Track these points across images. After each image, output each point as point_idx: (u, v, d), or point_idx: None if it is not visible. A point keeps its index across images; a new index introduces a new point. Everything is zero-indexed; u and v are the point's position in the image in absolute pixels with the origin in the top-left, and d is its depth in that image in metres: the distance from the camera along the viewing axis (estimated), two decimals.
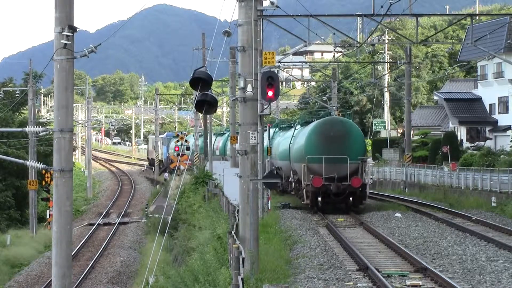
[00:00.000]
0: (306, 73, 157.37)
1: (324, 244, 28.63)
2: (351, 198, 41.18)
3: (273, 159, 51.82)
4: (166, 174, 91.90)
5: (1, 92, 68.08)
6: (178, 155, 74.17)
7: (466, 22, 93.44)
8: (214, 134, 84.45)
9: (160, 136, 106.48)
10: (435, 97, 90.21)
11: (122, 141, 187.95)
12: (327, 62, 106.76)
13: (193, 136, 77.28)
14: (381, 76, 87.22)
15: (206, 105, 20.54)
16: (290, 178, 48.05)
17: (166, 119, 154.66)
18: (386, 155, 78.26)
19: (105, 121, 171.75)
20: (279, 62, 52.73)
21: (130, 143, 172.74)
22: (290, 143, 47.79)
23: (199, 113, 58.56)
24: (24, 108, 71.66)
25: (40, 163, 18.28)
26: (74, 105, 19.45)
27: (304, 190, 41.42)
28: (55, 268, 16.89)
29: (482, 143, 71.71)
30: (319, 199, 41.02)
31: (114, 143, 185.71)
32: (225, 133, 79.71)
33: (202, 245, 30.21)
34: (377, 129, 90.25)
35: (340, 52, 66.61)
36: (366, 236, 31.75)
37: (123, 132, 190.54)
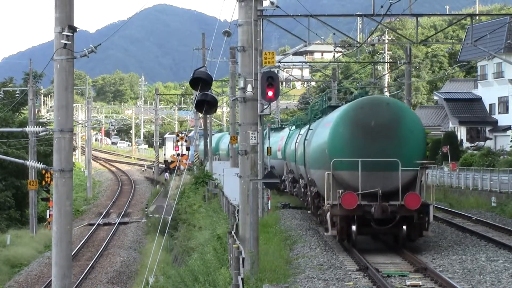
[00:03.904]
0: (306, 73, 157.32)
1: (324, 244, 28.62)
2: (404, 227, 26.16)
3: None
4: (166, 174, 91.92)
5: (1, 92, 68.09)
6: (178, 155, 74.24)
7: (466, 22, 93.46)
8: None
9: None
10: (435, 97, 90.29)
11: (122, 140, 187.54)
12: (327, 62, 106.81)
13: (194, 136, 77.26)
14: (381, 76, 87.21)
15: (206, 105, 20.58)
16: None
17: (166, 119, 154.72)
18: None
19: (105, 121, 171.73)
20: (279, 62, 52.68)
21: (130, 143, 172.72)
22: (305, 139, 35.99)
23: (199, 113, 58.63)
24: (24, 108, 71.68)
25: (40, 163, 18.29)
26: (74, 105, 19.47)
27: (328, 214, 26.48)
28: (55, 268, 16.90)
29: (482, 143, 71.77)
30: (353, 228, 26.18)
31: (113, 143, 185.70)
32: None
33: (202, 245, 30.22)
34: None
35: (340, 52, 66.68)
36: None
37: (123, 132, 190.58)
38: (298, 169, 40.84)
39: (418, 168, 26.48)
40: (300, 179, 41.41)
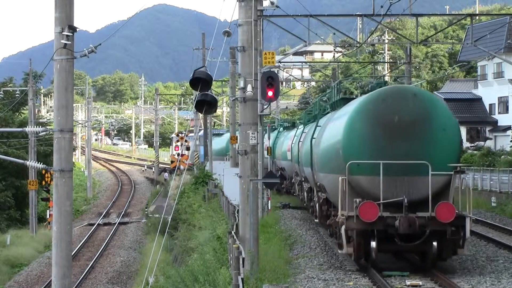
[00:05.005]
0: (306, 73, 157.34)
1: (324, 244, 28.61)
2: (434, 244, 21.91)
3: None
4: (166, 174, 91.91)
5: (1, 92, 68.13)
6: (178, 155, 74.25)
7: (466, 22, 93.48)
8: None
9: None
10: None
11: (124, 142, 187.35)
12: (327, 62, 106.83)
13: (194, 136, 77.13)
14: (381, 76, 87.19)
15: (206, 105, 20.65)
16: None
17: (166, 119, 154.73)
18: None
19: (105, 121, 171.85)
20: (279, 62, 52.68)
21: (130, 143, 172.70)
22: (312, 137, 31.82)
23: (199, 113, 58.66)
24: (24, 108, 71.70)
25: (40, 163, 18.31)
26: (74, 105, 19.49)
27: (343, 228, 22.26)
28: (55, 268, 16.91)
29: (482, 143, 71.78)
30: (373, 244, 21.93)
31: (114, 144, 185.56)
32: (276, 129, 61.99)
33: (202, 245, 30.23)
34: None
35: (340, 52, 66.66)
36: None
37: (123, 132, 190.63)
38: (302, 171, 37.99)
39: (452, 173, 22.15)
40: (304, 183, 38.41)
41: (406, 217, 21.55)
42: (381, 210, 21.67)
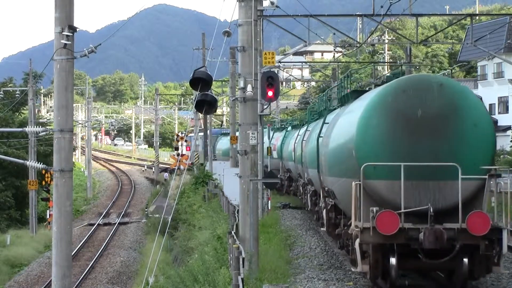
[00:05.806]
0: (306, 73, 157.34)
1: (324, 244, 28.61)
2: (465, 260, 18.66)
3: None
4: (166, 174, 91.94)
5: (1, 92, 68.17)
6: (178, 155, 74.27)
7: (466, 22, 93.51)
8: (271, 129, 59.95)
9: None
10: None
11: (127, 142, 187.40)
12: (327, 62, 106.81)
13: (194, 137, 77.08)
14: (381, 76, 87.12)
15: (206, 105, 20.69)
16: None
17: (166, 119, 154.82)
18: None
19: (105, 121, 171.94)
20: (279, 62, 52.62)
21: (130, 143, 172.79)
22: (319, 135, 27.95)
23: (199, 113, 58.63)
24: (24, 108, 71.75)
25: (40, 163, 18.33)
26: (74, 105, 19.50)
27: (357, 242, 18.92)
28: (55, 268, 16.92)
29: None
30: (393, 261, 18.65)
31: (115, 145, 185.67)
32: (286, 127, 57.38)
33: (202, 245, 30.24)
34: None
35: (340, 52, 66.64)
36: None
37: (123, 132, 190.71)
38: (305, 172, 35.32)
39: (486, 176, 18.77)
40: (308, 185, 35.81)
41: (432, 229, 18.14)
42: (402, 221, 18.25)
